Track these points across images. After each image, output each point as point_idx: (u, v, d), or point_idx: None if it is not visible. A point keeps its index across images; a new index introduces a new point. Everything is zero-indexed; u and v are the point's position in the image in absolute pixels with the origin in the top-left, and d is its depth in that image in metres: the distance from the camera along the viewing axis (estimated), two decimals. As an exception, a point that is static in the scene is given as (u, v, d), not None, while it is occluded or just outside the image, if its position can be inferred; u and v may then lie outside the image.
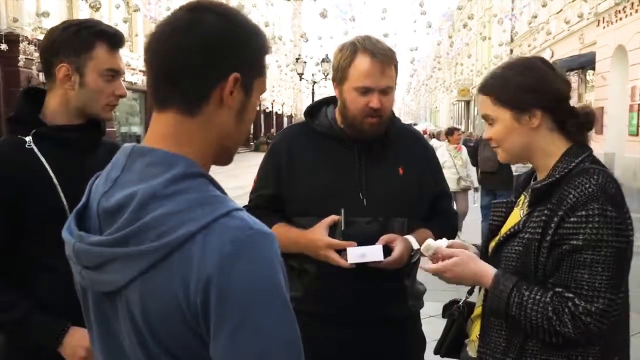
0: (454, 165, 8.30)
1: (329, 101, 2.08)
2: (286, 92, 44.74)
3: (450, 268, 1.59)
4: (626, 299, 1.55)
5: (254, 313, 0.83)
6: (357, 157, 1.96)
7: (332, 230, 1.85)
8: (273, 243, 0.88)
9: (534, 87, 1.55)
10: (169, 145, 0.93)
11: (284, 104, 48.38)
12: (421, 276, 2.06)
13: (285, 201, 2.00)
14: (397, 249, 1.83)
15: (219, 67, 0.93)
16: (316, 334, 1.95)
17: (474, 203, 8.79)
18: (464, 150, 8.71)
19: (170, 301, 0.84)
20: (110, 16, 17.31)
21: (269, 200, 2.03)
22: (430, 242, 1.67)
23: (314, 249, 1.85)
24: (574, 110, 1.58)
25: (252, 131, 39.89)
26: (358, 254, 1.78)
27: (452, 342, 1.80)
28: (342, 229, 1.84)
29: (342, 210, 1.84)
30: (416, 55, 21.37)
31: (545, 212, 1.50)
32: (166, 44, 0.93)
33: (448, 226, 2.08)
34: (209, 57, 0.92)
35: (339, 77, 1.94)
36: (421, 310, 2.14)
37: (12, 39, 14.53)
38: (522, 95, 1.55)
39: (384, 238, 1.86)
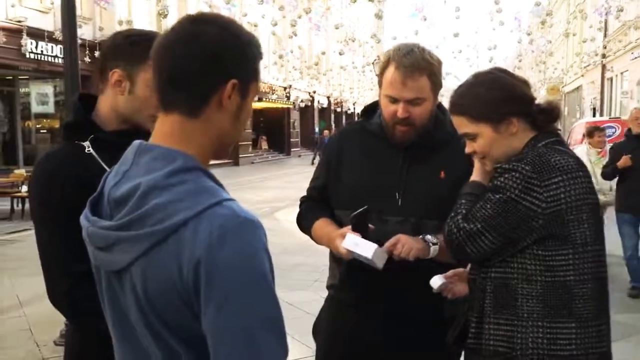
0: (594, 175, 6.05)
1: None
2: (367, 93, 44.74)
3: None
4: (601, 275, 1.67)
5: (236, 291, 0.94)
6: (400, 157, 2.01)
7: (364, 227, 1.88)
8: (257, 231, 0.98)
9: (504, 98, 1.71)
10: (171, 142, 1.05)
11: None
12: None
13: (330, 194, 2.11)
14: (394, 237, 1.85)
15: (219, 75, 1.04)
16: (350, 320, 2.06)
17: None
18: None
19: (167, 279, 0.96)
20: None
21: (320, 192, 2.16)
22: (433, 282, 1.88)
23: (333, 243, 1.94)
24: (542, 109, 1.75)
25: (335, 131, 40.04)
26: (352, 242, 1.83)
27: (461, 331, 1.84)
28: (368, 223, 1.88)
29: (366, 207, 1.86)
30: (499, 54, 20.64)
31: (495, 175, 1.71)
32: (171, 52, 1.04)
33: None
34: (210, 66, 1.03)
35: (379, 82, 2.03)
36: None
37: (106, 47, 15.60)
38: (495, 108, 1.71)
39: (391, 240, 1.86)
